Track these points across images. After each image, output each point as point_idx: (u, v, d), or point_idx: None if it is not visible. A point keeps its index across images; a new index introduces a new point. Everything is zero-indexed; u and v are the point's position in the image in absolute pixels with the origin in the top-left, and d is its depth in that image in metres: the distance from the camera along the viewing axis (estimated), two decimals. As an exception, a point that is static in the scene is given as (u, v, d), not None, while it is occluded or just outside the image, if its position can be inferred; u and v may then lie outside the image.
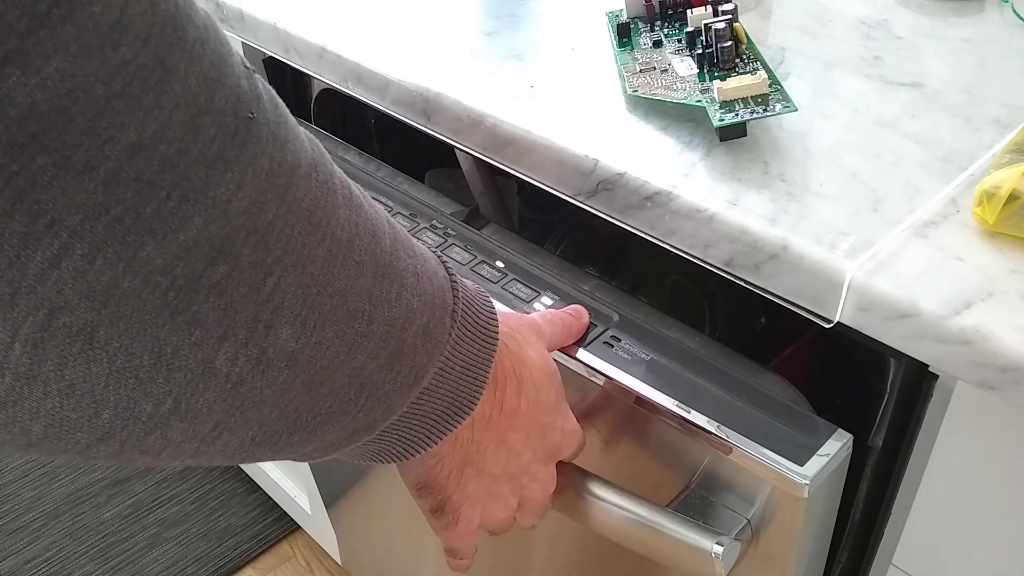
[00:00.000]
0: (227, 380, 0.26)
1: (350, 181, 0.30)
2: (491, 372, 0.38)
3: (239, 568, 1.29)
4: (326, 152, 0.29)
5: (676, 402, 0.47)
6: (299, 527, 1.32)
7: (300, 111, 0.83)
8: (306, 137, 0.28)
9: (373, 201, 0.32)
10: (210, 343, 0.25)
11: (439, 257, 0.36)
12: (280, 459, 0.31)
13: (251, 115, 0.25)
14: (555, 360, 0.49)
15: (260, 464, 1.26)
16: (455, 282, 0.36)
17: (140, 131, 0.22)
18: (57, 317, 0.23)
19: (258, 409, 0.27)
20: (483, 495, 0.42)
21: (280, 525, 1.34)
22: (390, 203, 0.62)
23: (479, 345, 0.37)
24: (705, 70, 0.54)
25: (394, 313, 0.31)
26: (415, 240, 0.34)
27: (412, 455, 0.37)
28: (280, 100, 0.27)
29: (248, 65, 0.26)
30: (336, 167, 0.30)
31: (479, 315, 0.37)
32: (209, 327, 0.25)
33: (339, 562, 1.19)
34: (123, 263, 0.23)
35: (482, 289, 0.38)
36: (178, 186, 0.23)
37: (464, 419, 0.37)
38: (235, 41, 0.77)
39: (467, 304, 0.36)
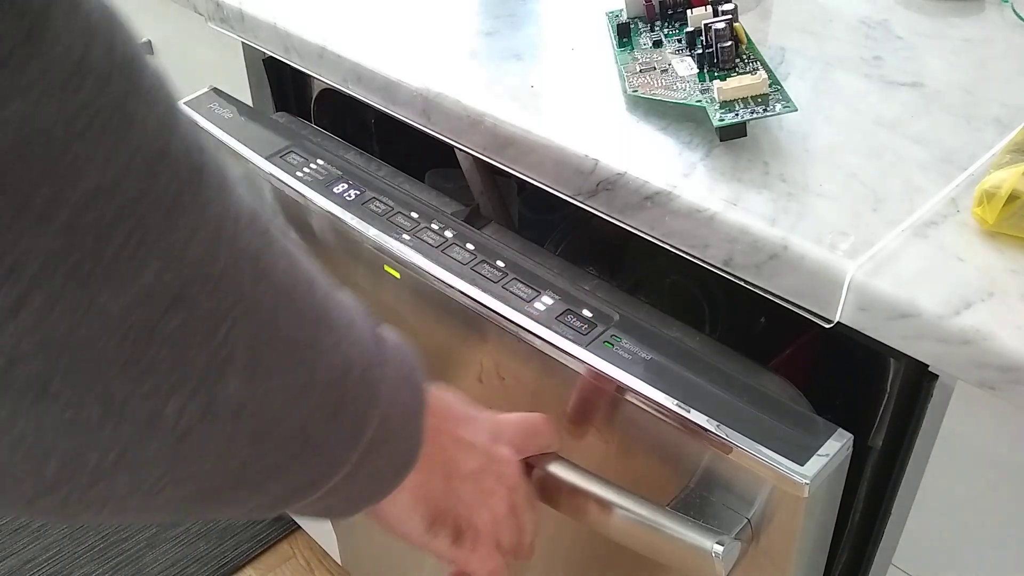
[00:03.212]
0: (173, 431, 0.26)
1: (285, 231, 0.31)
2: (424, 421, 0.38)
3: (239, 568, 1.29)
4: (262, 202, 0.30)
5: (676, 402, 0.47)
6: (299, 527, 1.32)
7: (300, 111, 0.83)
8: (243, 188, 0.28)
9: (303, 253, 0.32)
10: (160, 393, 0.25)
11: (363, 309, 0.36)
12: (225, 516, 0.31)
13: (200, 163, 0.25)
14: (554, 360, 0.50)
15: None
16: (379, 332, 0.36)
17: (101, 175, 0.22)
18: (14, 367, 0.22)
19: (203, 461, 0.27)
20: (478, 496, 0.42)
21: (280, 525, 1.34)
22: (391, 203, 0.62)
23: (409, 396, 0.37)
24: (705, 70, 0.54)
25: (334, 361, 0.31)
26: (339, 291, 0.34)
27: (357, 511, 0.37)
28: (219, 151, 0.28)
29: (190, 116, 0.27)
30: (272, 217, 0.30)
31: (404, 365, 0.37)
32: (161, 377, 0.25)
33: (339, 562, 1.19)
34: (81, 311, 0.23)
35: (403, 341, 0.39)
36: (136, 231, 0.23)
37: (407, 474, 0.37)
38: (235, 41, 0.77)
39: (393, 354, 0.36)
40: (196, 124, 0.26)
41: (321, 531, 1.20)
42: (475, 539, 0.42)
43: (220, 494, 0.29)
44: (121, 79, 0.22)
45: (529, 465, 0.48)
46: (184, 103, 0.73)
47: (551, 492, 0.49)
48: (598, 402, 0.51)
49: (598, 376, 0.50)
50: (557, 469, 0.48)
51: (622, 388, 0.49)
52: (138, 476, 0.26)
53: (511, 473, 0.44)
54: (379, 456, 0.35)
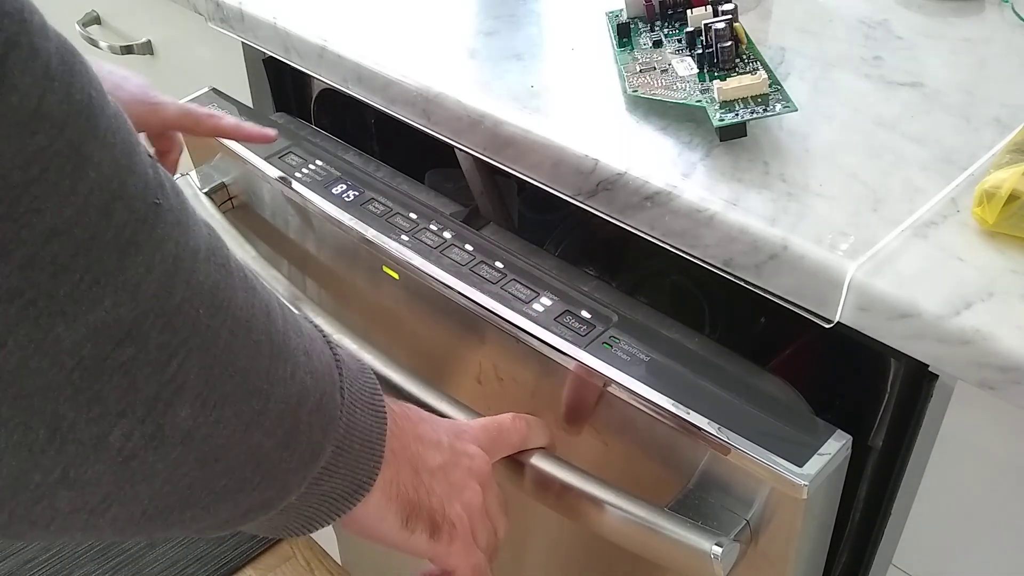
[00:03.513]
0: (119, 454, 0.26)
1: (243, 264, 0.31)
2: (386, 445, 0.38)
3: (239, 568, 1.29)
4: (221, 236, 0.30)
5: (675, 403, 0.47)
6: (299, 527, 1.32)
7: (300, 111, 0.83)
8: (203, 223, 0.29)
9: (264, 283, 0.33)
10: (107, 419, 0.25)
11: (322, 334, 0.36)
12: (174, 535, 0.31)
13: (157, 201, 0.26)
14: (552, 361, 0.49)
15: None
16: (339, 359, 0.36)
17: (56, 216, 0.23)
18: None
19: (149, 483, 0.28)
20: (449, 490, 0.42)
21: (280, 525, 1.33)
22: (389, 203, 0.62)
23: (370, 420, 0.37)
24: (705, 70, 0.54)
25: (290, 391, 0.32)
26: (300, 319, 0.35)
27: (312, 530, 0.37)
28: (180, 187, 0.28)
29: (151, 155, 0.27)
30: (231, 251, 0.30)
31: (364, 391, 0.37)
32: (109, 405, 0.25)
33: (339, 562, 1.19)
34: (33, 345, 0.23)
35: (364, 365, 0.39)
36: (91, 269, 0.24)
37: (365, 494, 0.38)
38: (235, 41, 0.77)
39: (352, 381, 0.37)
40: (155, 162, 0.27)
41: (321, 531, 1.20)
42: (452, 532, 0.42)
43: (168, 515, 0.29)
44: (77, 123, 0.23)
45: (520, 463, 0.48)
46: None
47: (549, 492, 0.49)
48: (588, 398, 0.51)
49: (593, 374, 0.49)
50: (556, 470, 0.48)
51: (621, 389, 0.49)
52: (82, 495, 0.26)
53: (480, 468, 0.44)
54: (335, 479, 0.36)
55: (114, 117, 0.25)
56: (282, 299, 0.34)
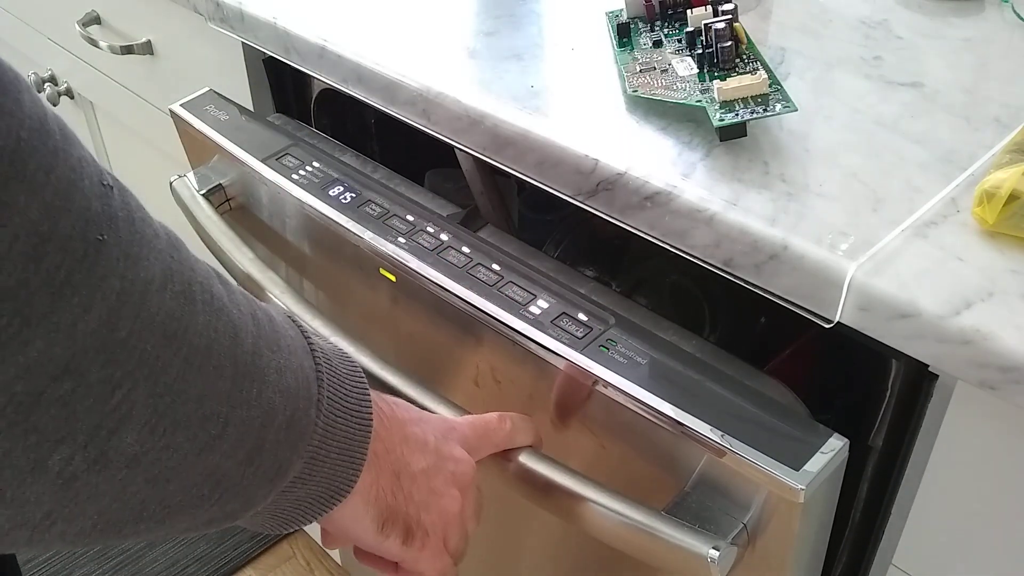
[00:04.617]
0: (59, 477, 0.26)
1: (214, 279, 0.30)
2: (368, 449, 0.38)
3: (239, 568, 1.29)
4: (187, 255, 0.29)
5: (672, 406, 0.47)
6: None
7: (300, 111, 0.83)
8: (165, 245, 0.28)
9: (241, 296, 0.32)
10: (45, 446, 0.25)
11: (309, 344, 0.35)
12: (134, 542, 0.31)
13: (101, 237, 0.25)
14: (550, 364, 0.49)
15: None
16: (320, 370, 0.35)
17: None
18: None
19: (95, 501, 0.27)
20: (429, 497, 0.42)
21: (280, 526, 1.33)
22: (387, 205, 0.62)
23: (352, 429, 0.37)
24: (705, 70, 0.54)
25: (253, 412, 0.31)
26: (282, 330, 0.34)
27: (288, 530, 0.37)
28: (140, 214, 0.27)
29: (106, 182, 0.26)
30: (199, 268, 0.29)
31: (348, 398, 0.37)
32: (47, 433, 0.25)
33: (339, 562, 1.19)
34: None
35: (355, 368, 0.38)
36: (19, 313, 0.23)
37: (342, 500, 0.37)
38: (235, 41, 0.77)
39: (334, 391, 0.36)
40: (112, 191, 0.26)
41: (321, 532, 1.20)
42: (424, 539, 0.42)
43: (120, 528, 0.29)
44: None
45: (506, 461, 0.48)
46: (182, 105, 0.73)
47: (536, 490, 0.49)
48: (593, 406, 0.51)
49: (594, 380, 0.49)
50: (541, 467, 0.48)
51: (618, 392, 0.48)
52: (21, 513, 0.26)
53: (463, 474, 0.44)
54: (308, 486, 0.35)
55: (52, 153, 0.24)
56: (263, 307, 0.33)
